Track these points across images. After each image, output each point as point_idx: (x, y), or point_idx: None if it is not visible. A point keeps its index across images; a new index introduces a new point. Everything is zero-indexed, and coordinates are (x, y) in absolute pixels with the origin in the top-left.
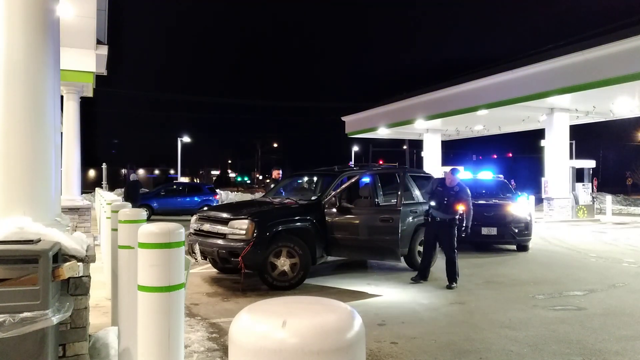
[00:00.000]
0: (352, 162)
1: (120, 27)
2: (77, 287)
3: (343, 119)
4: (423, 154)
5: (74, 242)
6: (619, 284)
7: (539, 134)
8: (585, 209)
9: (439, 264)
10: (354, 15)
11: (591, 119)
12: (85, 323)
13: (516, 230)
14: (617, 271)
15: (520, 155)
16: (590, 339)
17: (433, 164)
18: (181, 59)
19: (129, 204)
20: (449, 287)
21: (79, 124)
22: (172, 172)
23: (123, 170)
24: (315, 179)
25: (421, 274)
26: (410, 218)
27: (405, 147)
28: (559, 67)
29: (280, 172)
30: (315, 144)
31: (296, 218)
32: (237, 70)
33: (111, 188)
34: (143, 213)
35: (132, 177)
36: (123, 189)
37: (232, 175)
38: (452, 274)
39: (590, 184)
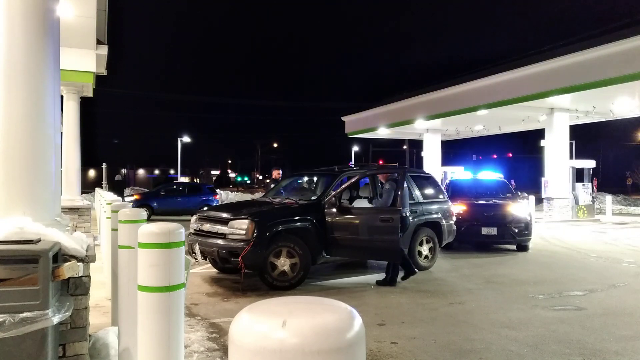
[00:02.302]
0: (352, 162)
1: (120, 27)
2: (77, 287)
3: (343, 119)
4: (423, 154)
5: (74, 242)
6: (619, 284)
7: (539, 134)
8: (585, 209)
9: (439, 263)
10: (355, 15)
11: (591, 119)
12: (85, 323)
13: (516, 230)
14: (617, 271)
15: (520, 155)
16: (590, 339)
17: (433, 164)
18: (181, 58)
19: (129, 204)
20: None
21: (79, 124)
22: (172, 172)
23: (123, 170)
24: (315, 179)
25: (391, 277)
26: (411, 218)
27: (405, 147)
28: (559, 67)
29: (280, 172)
30: (315, 144)
31: (296, 218)
32: (238, 70)
33: (116, 189)
34: (143, 213)
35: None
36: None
37: (232, 175)
38: (395, 270)
39: (590, 184)
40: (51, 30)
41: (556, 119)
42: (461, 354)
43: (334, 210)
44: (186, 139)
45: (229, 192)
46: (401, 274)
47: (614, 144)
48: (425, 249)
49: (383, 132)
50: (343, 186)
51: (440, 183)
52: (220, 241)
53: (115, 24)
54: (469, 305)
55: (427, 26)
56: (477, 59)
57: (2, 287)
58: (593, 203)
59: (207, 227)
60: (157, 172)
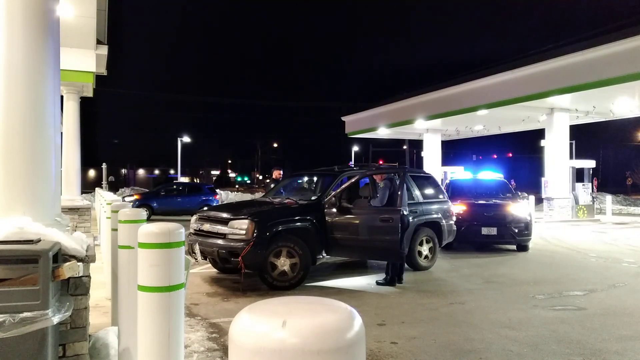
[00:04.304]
0: (352, 162)
1: (120, 27)
2: (77, 287)
3: (343, 119)
4: (423, 154)
5: (74, 242)
6: (619, 284)
7: (539, 134)
8: (585, 209)
9: (439, 263)
10: (355, 15)
11: (591, 119)
12: (85, 323)
13: (516, 230)
14: (617, 271)
15: (520, 155)
16: (590, 339)
17: (433, 164)
18: (181, 58)
19: (129, 204)
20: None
21: (79, 124)
22: (172, 172)
23: (123, 170)
24: (315, 179)
25: (391, 278)
26: (411, 218)
27: (405, 147)
28: (559, 67)
29: (281, 172)
30: (315, 144)
31: (296, 218)
32: (238, 70)
33: (111, 188)
34: (143, 213)
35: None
36: None
37: (232, 175)
38: (395, 270)
39: (590, 184)
40: (51, 30)
41: (556, 119)
42: (461, 354)
43: (334, 210)
44: (186, 139)
45: (229, 192)
46: (382, 275)
47: (614, 144)
48: (425, 249)
49: (383, 132)
50: (343, 186)
51: (440, 183)
52: (220, 241)
53: (115, 24)
54: (469, 305)
55: (428, 26)
56: (477, 59)
57: (2, 287)
58: (593, 203)
59: (207, 227)
60: (157, 172)
